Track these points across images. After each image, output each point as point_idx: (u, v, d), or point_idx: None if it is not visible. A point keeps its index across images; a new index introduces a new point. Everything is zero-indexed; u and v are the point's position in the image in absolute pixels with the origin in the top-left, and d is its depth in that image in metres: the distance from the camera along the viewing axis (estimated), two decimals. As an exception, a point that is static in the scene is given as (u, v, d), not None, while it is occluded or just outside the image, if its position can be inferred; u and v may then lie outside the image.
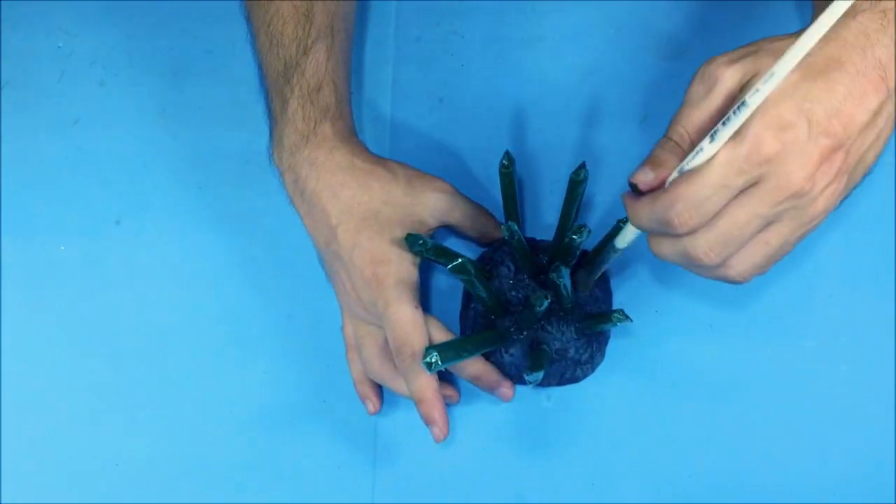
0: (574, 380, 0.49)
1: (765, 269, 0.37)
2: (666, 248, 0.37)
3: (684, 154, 0.35)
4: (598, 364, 0.49)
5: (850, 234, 0.50)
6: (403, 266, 0.45)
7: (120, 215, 0.55)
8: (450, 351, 0.42)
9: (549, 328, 0.47)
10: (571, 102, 0.55)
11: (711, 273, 0.37)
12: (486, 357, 0.47)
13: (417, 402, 0.45)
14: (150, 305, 0.53)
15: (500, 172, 0.48)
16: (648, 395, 0.49)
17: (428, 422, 0.46)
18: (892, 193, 0.51)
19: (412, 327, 0.44)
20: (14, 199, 0.56)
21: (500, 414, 0.50)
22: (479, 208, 0.50)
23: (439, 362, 0.41)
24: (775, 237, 0.36)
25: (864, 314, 0.50)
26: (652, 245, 0.38)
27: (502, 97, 0.56)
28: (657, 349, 0.50)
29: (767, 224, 0.35)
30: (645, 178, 0.36)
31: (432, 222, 0.48)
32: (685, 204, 0.34)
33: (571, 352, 0.47)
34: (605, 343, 0.49)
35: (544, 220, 0.53)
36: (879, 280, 0.50)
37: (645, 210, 0.36)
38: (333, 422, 0.50)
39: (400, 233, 0.45)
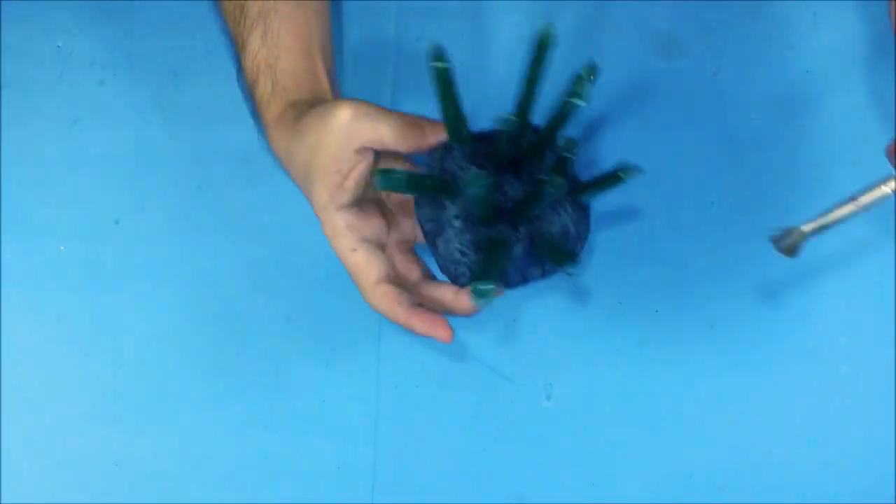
0: (572, 259, 0.41)
1: None
2: None
3: None
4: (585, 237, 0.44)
5: (849, 234, 0.50)
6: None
7: (119, 215, 0.55)
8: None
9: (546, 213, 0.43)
10: (571, 102, 0.55)
11: None
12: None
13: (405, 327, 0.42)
14: (149, 305, 0.53)
15: (436, 72, 0.40)
16: (649, 394, 0.49)
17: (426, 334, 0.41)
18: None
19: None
20: (14, 199, 0.56)
21: (500, 414, 0.50)
22: (403, 114, 0.44)
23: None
24: None
25: (864, 314, 0.50)
26: None
27: (502, 97, 0.55)
28: (657, 349, 0.50)
29: None
30: None
31: (347, 156, 0.41)
32: None
33: (571, 228, 0.43)
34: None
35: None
36: (879, 280, 0.50)
37: None
38: (333, 422, 0.50)
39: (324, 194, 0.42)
